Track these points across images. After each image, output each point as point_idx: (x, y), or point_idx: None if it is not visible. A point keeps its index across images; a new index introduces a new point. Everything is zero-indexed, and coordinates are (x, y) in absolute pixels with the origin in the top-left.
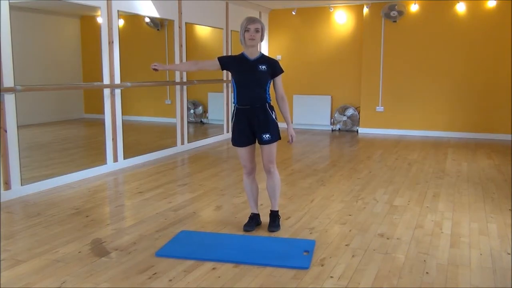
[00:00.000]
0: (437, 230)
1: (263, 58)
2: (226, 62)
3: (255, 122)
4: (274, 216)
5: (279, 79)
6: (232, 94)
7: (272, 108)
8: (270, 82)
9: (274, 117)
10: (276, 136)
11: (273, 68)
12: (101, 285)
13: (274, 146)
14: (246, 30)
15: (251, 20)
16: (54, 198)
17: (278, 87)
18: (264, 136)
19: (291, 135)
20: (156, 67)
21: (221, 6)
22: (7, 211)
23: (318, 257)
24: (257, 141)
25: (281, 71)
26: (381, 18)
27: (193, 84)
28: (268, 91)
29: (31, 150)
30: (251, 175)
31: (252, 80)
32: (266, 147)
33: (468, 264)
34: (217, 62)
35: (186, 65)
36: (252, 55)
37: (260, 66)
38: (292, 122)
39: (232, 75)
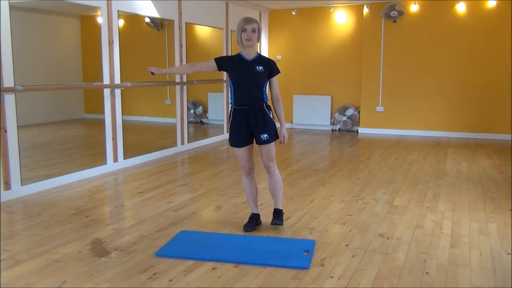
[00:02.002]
0: (437, 230)
1: (260, 59)
2: (222, 63)
3: (253, 122)
4: (278, 213)
5: (275, 79)
6: (230, 94)
7: (269, 107)
8: (267, 82)
9: (271, 116)
10: (274, 135)
11: (270, 68)
12: (101, 285)
13: (272, 145)
14: (243, 30)
15: (248, 20)
16: (54, 198)
17: (274, 88)
18: (262, 136)
19: (283, 136)
20: (152, 71)
21: (221, 6)
22: (7, 211)
23: (318, 257)
24: (255, 141)
25: (277, 71)
26: (381, 18)
27: (193, 84)
28: (265, 91)
29: (31, 150)
30: (249, 175)
31: (249, 81)
32: (264, 146)
33: (468, 264)
34: (214, 63)
35: (183, 68)
36: (249, 55)
37: (257, 67)
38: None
39: (229, 76)
